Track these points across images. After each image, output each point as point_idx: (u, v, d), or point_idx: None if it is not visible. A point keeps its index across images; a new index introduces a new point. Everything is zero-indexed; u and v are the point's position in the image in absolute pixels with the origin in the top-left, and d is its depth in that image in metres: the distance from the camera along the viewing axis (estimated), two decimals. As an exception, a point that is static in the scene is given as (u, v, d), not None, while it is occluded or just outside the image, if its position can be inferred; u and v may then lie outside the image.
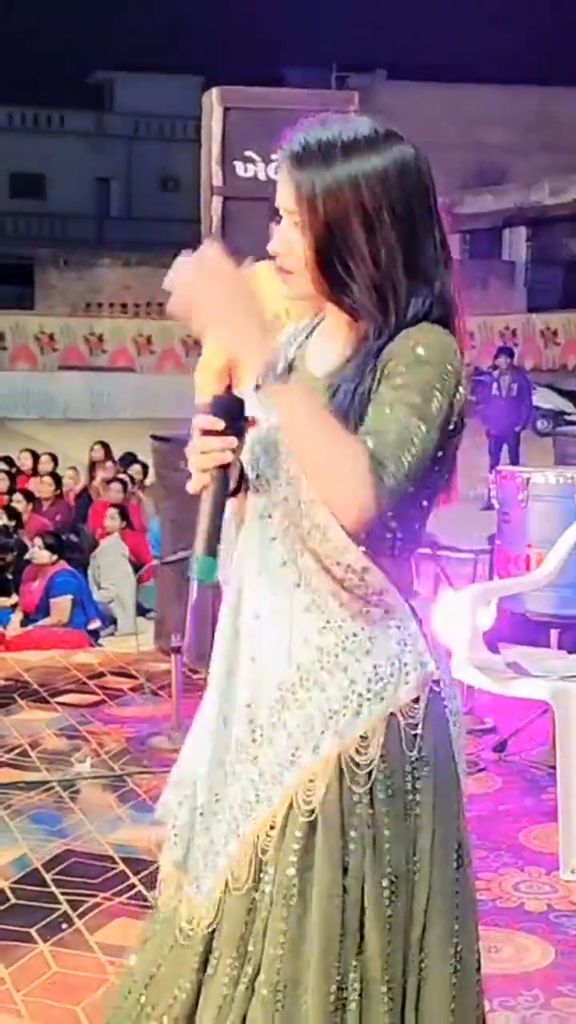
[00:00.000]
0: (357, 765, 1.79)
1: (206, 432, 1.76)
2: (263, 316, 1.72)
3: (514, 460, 13.71)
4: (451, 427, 1.79)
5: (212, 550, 1.75)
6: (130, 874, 3.73)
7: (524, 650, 4.58)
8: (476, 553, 5.87)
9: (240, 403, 1.78)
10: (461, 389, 1.80)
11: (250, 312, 1.70)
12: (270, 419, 1.80)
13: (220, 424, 1.75)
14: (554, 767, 3.92)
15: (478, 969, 1.91)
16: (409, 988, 1.82)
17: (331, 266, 1.79)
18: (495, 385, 14.73)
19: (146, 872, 3.66)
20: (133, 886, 3.65)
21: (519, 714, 5.07)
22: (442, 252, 1.83)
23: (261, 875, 1.83)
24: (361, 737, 1.79)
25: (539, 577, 4.38)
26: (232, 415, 1.76)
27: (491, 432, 14.55)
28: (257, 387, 1.70)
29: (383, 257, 1.78)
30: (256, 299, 1.72)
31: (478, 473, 10.60)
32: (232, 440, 1.77)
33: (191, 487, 1.80)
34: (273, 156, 6.33)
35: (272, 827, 1.82)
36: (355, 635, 1.80)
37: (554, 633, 4.78)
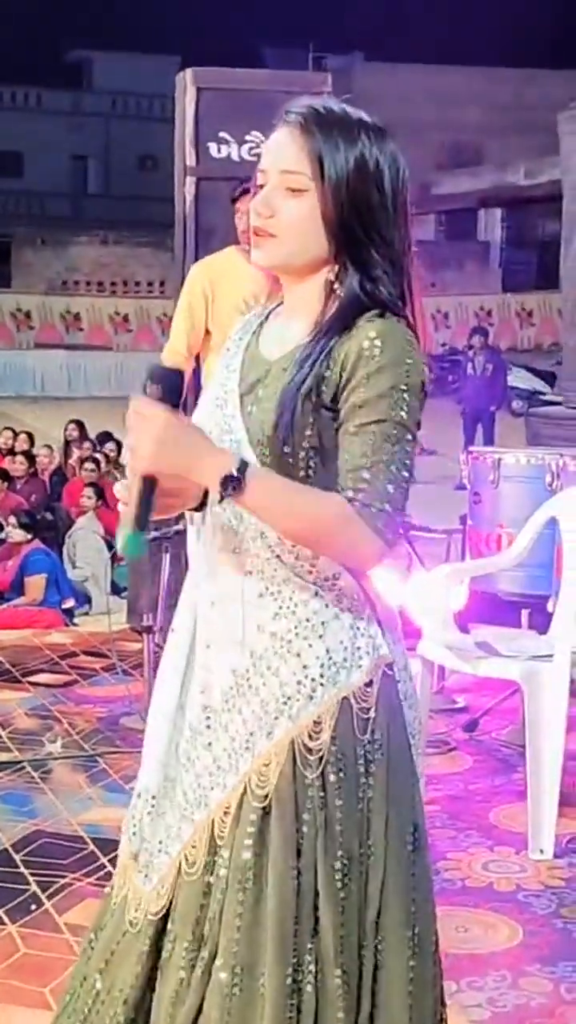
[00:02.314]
0: (309, 750, 1.79)
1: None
2: (202, 435, 1.73)
3: (488, 440, 13.75)
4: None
5: (141, 525, 1.73)
6: (100, 855, 3.73)
7: (495, 630, 4.60)
8: (448, 533, 5.88)
9: (180, 377, 1.76)
10: (426, 378, 1.80)
11: (188, 442, 1.70)
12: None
13: (156, 393, 1.72)
14: (524, 747, 3.93)
15: (435, 951, 1.91)
16: (365, 971, 1.82)
17: (351, 226, 1.79)
18: (470, 365, 14.78)
19: (116, 853, 3.64)
20: (103, 867, 3.64)
21: (490, 694, 5.09)
22: (410, 246, 1.85)
23: (216, 859, 1.83)
24: (314, 722, 1.80)
25: (510, 557, 4.39)
26: (170, 387, 1.73)
27: (465, 412, 14.60)
28: (221, 499, 1.71)
29: (389, 226, 1.81)
30: (191, 427, 1.72)
31: (452, 453, 10.61)
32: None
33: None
34: (248, 137, 6.30)
35: (227, 812, 1.83)
36: (307, 620, 1.81)
37: (524, 613, 4.79)
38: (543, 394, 19.87)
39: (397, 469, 1.75)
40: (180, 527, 3.81)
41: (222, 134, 5.83)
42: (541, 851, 3.73)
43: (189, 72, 5.93)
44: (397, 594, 4.86)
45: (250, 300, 2.05)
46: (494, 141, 35.63)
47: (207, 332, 4.49)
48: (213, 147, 5.83)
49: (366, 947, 1.82)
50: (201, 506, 1.88)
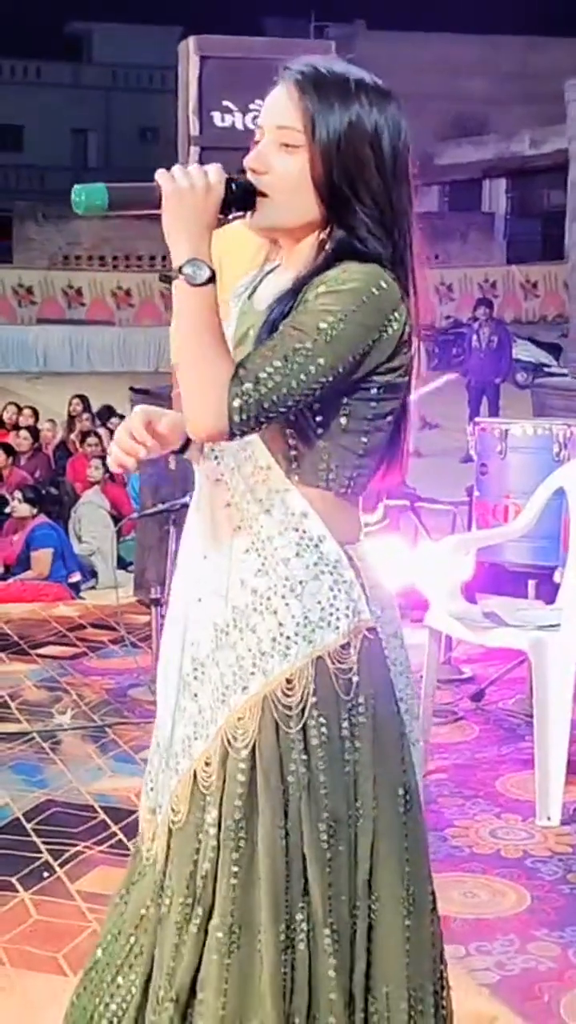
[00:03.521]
0: (287, 707, 1.81)
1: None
2: (210, 229, 1.77)
3: (494, 412, 13.73)
4: (382, 368, 1.80)
5: (115, 193, 1.79)
6: (111, 823, 3.76)
7: (502, 600, 4.62)
8: (455, 505, 5.88)
9: (254, 193, 1.82)
10: (390, 325, 1.78)
11: (193, 221, 1.75)
12: None
13: (230, 191, 1.79)
14: (531, 716, 3.96)
15: (433, 910, 1.93)
16: (359, 931, 1.84)
17: (339, 186, 1.79)
18: (475, 337, 14.73)
19: (126, 821, 3.69)
20: (114, 835, 3.67)
21: (497, 664, 5.11)
22: (410, 209, 1.85)
23: (204, 814, 1.85)
24: (287, 680, 1.81)
25: (517, 528, 4.40)
26: (243, 192, 1.80)
27: (471, 384, 14.57)
28: (178, 271, 1.74)
29: (382, 191, 1.81)
30: (208, 219, 1.77)
31: (458, 425, 10.62)
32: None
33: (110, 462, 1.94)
34: (252, 105, 6.28)
35: (208, 763, 1.85)
36: (287, 579, 1.82)
37: (531, 584, 4.80)
38: (547, 366, 19.87)
39: (283, 364, 1.72)
40: (186, 500, 3.82)
41: (226, 103, 5.80)
42: (548, 818, 3.76)
43: (192, 40, 5.89)
44: (404, 565, 4.88)
45: (262, 263, 2.05)
46: (499, 111, 35.44)
47: None
48: (217, 116, 5.80)
49: (359, 907, 1.85)
50: (183, 449, 1.95)
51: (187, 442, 1.95)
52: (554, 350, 20.89)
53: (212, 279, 1.74)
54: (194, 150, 5.87)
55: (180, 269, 1.74)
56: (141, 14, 43.63)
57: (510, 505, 4.74)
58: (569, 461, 4.50)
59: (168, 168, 1.79)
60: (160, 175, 1.77)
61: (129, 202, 1.81)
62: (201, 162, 1.85)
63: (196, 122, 5.84)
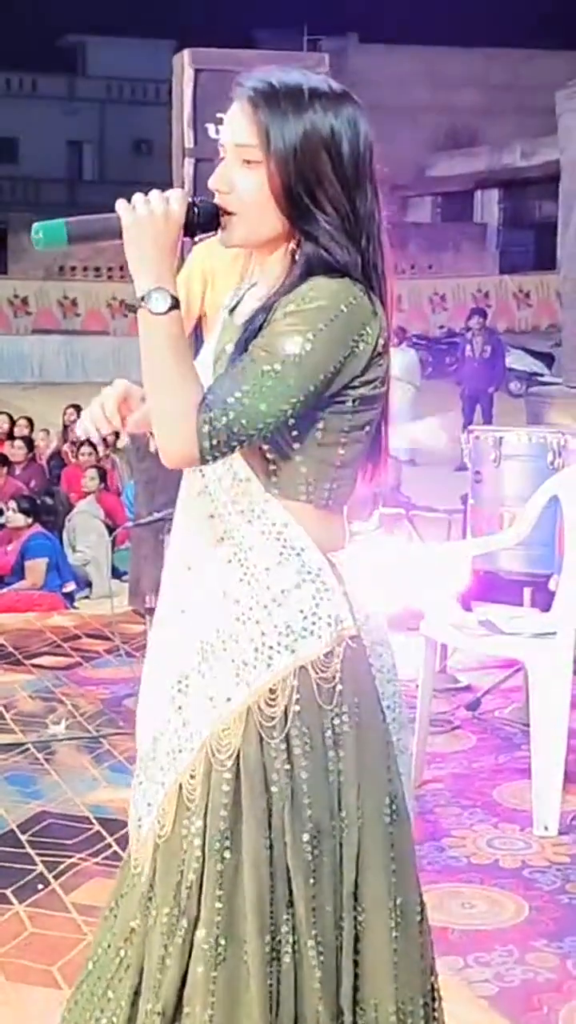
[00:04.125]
0: (269, 718, 1.80)
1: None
2: (171, 256, 1.77)
3: (487, 421, 13.76)
4: (356, 383, 1.79)
5: (76, 227, 1.81)
6: (106, 835, 3.74)
7: (497, 609, 4.61)
8: (450, 513, 5.88)
9: (218, 215, 1.84)
10: (361, 340, 1.78)
11: (154, 250, 1.76)
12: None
13: (194, 212, 1.81)
14: (527, 724, 3.95)
15: (422, 920, 1.91)
16: (345, 943, 1.83)
17: (298, 196, 1.78)
18: (468, 347, 14.79)
19: (121, 833, 3.66)
20: (109, 846, 3.66)
21: (493, 672, 5.10)
22: (376, 212, 1.83)
23: (189, 826, 1.83)
24: (270, 690, 1.80)
25: (512, 536, 4.39)
26: (206, 215, 1.82)
27: (464, 393, 14.62)
28: (140, 300, 1.75)
29: (343, 198, 1.79)
30: (170, 247, 1.77)
31: (452, 434, 10.62)
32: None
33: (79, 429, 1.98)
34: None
35: (193, 775, 1.84)
36: (268, 589, 1.81)
37: (527, 591, 4.80)
38: (540, 375, 19.88)
39: (251, 387, 1.72)
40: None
41: (219, 115, 5.78)
42: (546, 828, 3.74)
43: (186, 53, 5.90)
44: (399, 574, 4.87)
45: (246, 277, 2.05)
46: (490, 122, 35.53)
47: (203, 315, 4.47)
48: (211, 128, 5.81)
49: (345, 918, 1.83)
50: None
51: None
52: (547, 359, 20.92)
53: (175, 306, 1.75)
54: (188, 162, 5.88)
55: (142, 299, 1.75)
56: (135, 27, 43.74)
57: (505, 513, 4.74)
58: (564, 469, 4.49)
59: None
60: (120, 205, 1.78)
61: (89, 235, 1.83)
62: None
63: (190, 134, 5.85)
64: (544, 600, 4.50)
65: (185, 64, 5.85)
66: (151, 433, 1.91)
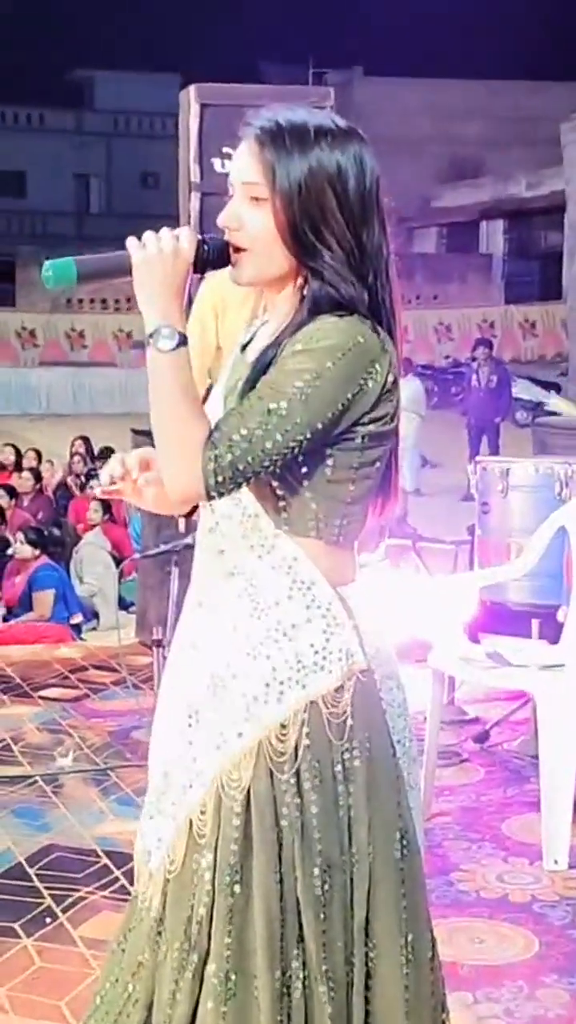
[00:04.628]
0: (280, 753, 1.80)
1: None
2: (180, 294, 1.79)
3: (494, 451, 13.75)
4: (365, 420, 1.80)
5: (84, 266, 1.82)
6: (113, 868, 3.73)
7: (505, 640, 4.59)
8: (457, 544, 5.88)
9: (227, 251, 1.86)
10: (370, 377, 1.79)
11: (162, 288, 1.77)
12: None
13: (203, 249, 1.83)
14: (536, 757, 3.93)
15: (433, 957, 1.91)
16: (356, 979, 1.82)
17: (303, 233, 1.79)
18: (474, 377, 14.79)
19: (129, 866, 3.62)
20: (117, 880, 3.64)
21: (501, 705, 5.08)
22: (384, 248, 1.84)
23: (199, 859, 1.83)
24: (281, 724, 1.80)
25: (519, 567, 4.39)
26: (217, 251, 1.84)
27: (471, 423, 14.61)
28: (149, 338, 1.76)
29: (349, 234, 1.80)
30: (177, 286, 1.79)
31: (458, 464, 10.64)
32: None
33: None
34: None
35: (203, 811, 1.84)
36: (279, 623, 1.82)
37: (535, 623, 4.78)
38: (547, 405, 19.91)
39: (256, 425, 1.73)
40: (189, 541, 3.81)
41: (226, 149, 5.84)
42: (556, 862, 3.72)
43: (193, 88, 5.95)
44: (406, 605, 4.87)
45: (259, 314, 2.06)
46: (495, 153, 35.72)
47: (218, 348, 4.49)
48: (217, 162, 5.85)
49: (356, 954, 1.82)
50: (191, 513, 1.95)
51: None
52: (553, 389, 20.96)
53: (183, 343, 1.76)
54: (195, 196, 5.92)
55: (151, 336, 1.76)
56: (143, 62, 44.09)
57: (512, 544, 4.73)
58: (571, 500, 4.49)
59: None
60: (130, 243, 1.80)
61: (98, 273, 1.85)
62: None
63: (196, 168, 5.89)
64: (552, 632, 4.49)
65: (191, 99, 5.89)
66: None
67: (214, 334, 4.49)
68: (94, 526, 9.30)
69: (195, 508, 1.95)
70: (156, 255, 1.77)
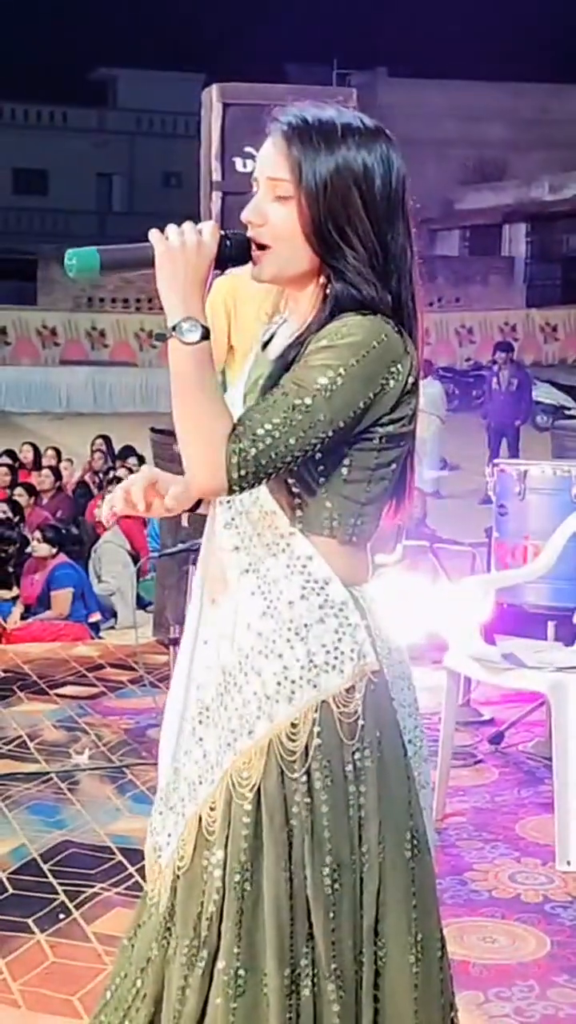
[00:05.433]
0: (290, 752, 1.80)
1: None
2: (202, 287, 1.79)
3: (513, 454, 13.75)
4: (384, 420, 1.81)
5: (111, 255, 1.83)
6: (128, 865, 3.75)
7: (521, 642, 4.59)
8: (474, 546, 5.88)
9: (249, 246, 1.86)
10: (392, 377, 1.79)
11: (184, 280, 1.77)
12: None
13: (226, 244, 1.83)
14: (550, 759, 3.93)
15: (442, 957, 1.91)
16: (365, 978, 1.83)
17: (328, 232, 1.79)
18: (495, 380, 14.79)
19: (143, 863, 3.66)
20: (131, 876, 3.66)
21: (516, 706, 5.08)
22: (408, 249, 1.84)
23: (209, 856, 1.84)
24: (292, 724, 1.81)
25: (536, 569, 4.39)
26: (238, 246, 1.85)
27: (490, 426, 14.61)
28: (172, 330, 1.76)
29: (373, 235, 1.80)
30: (200, 277, 1.78)
31: (477, 467, 10.63)
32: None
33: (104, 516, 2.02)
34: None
35: (213, 808, 1.84)
36: (291, 622, 1.82)
37: (551, 625, 4.78)
38: (567, 408, 19.88)
39: (281, 420, 1.73)
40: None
41: (247, 149, 5.85)
42: (568, 863, 3.72)
43: (215, 88, 5.96)
44: (423, 607, 4.87)
45: (270, 312, 2.07)
46: (518, 156, 35.67)
47: (231, 347, 4.50)
48: (239, 162, 5.85)
49: (365, 953, 1.83)
50: (196, 506, 1.97)
51: (199, 500, 1.97)
52: (574, 393, 20.91)
53: (206, 336, 1.76)
54: (216, 195, 5.92)
55: (174, 328, 1.76)
56: (165, 60, 44.18)
57: (529, 546, 4.73)
58: (588, 503, 4.49)
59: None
60: (153, 235, 1.80)
61: (121, 264, 1.85)
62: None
63: (219, 167, 5.89)
64: (568, 634, 4.49)
65: (213, 99, 5.90)
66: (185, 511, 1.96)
67: (225, 334, 4.51)
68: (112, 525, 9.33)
69: (199, 503, 1.97)
70: (179, 248, 1.78)
